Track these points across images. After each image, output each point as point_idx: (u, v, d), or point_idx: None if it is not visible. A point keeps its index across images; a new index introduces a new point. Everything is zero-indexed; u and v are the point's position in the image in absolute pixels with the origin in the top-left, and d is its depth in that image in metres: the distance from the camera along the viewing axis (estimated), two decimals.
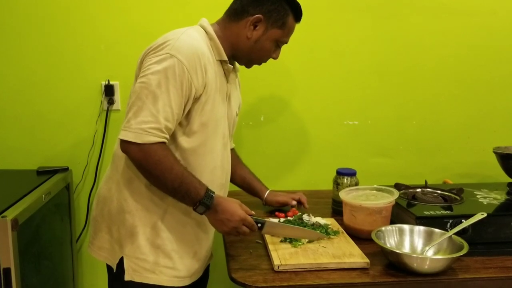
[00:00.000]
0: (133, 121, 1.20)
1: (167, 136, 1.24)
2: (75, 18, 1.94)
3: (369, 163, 2.15)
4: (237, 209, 1.30)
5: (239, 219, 1.29)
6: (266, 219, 1.40)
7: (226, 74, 1.40)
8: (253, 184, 1.72)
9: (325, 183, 1.87)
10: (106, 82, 1.98)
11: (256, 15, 1.35)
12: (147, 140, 1.19)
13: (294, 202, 1.72)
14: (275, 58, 1.46)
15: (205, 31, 1.36)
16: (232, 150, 1.65)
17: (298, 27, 1.46)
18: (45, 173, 1.88)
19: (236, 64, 1.49)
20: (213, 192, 1.28)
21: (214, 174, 1.38)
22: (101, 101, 2.00)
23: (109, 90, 1.98)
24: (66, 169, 1.95)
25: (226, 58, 1.37)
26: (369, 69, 2.10)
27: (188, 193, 1.25)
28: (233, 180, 1.65)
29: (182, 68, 1.22)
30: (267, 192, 1.73)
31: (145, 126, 1.19)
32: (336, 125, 2.13)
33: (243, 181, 1.72)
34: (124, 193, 1.34)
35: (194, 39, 1.29)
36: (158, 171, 1.21)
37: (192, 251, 1.39)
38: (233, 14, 1.38)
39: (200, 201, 1.26)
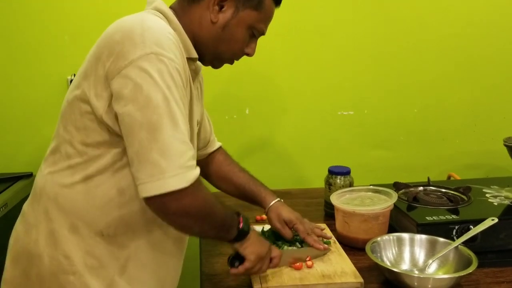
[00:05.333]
0: (164, 162, 0.87)
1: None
2: (35, 5, 1.80)
3: (367, 156, 2.05)
4: None
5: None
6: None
7: (192, 76, 1.10)
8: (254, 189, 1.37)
9: (318, 180, 1.75)
10: (72, 77, 1.83)
11: None
12: (193, 177, 0.89)
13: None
14: (249, 55, 1.12)
15: (166, 18, 1.03)
16: (219, 150, 1.43)
17: (282, 5, 1.19)
18: (5, 180, 1.72)
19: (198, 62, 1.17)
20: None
21: None
22: None
23: None
24: (30, 175, 1.80)
25: (196, 55, 1.07)
26: (364, 53, 1.98)
27: (230, 216, 1.03)
28: (226, 190, 1.40)
29: (174, 66, 0.93)
30: (273, 202, 1.31)
31: (183, 160, 0.88)
32: (329, 116, 2.02)
33: (240, 189, 1.38)
34: (65, 248, 1.00)
35: (162, 23, 0.99)
36: (208, 208, 0.96)
37: None
38: None
39: (242, 216, 1.06)
